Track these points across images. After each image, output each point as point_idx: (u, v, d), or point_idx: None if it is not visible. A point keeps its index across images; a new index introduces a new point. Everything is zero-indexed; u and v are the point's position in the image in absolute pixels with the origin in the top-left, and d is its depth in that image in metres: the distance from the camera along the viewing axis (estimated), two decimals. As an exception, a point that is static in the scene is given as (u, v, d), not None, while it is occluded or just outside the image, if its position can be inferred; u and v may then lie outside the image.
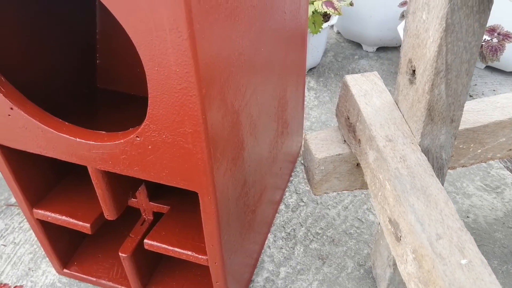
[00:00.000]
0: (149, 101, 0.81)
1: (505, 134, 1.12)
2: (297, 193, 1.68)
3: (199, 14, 0.70)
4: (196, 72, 0.74)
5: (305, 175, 1.24)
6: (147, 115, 0.84)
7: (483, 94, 2.20)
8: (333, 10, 1.96)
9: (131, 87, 1.32)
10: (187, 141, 0.84)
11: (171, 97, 0.79)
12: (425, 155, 0.95)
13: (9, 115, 0.96)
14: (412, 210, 0.84)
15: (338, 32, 2.64)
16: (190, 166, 0.89)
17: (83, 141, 0.95)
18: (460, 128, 1.06)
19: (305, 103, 2.08)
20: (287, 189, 1.70)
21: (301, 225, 1.58)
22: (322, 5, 1.96)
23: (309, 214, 1.61)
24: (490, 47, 1.91)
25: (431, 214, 0.83)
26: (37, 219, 1.22)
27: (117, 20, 0.72)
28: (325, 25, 2.10)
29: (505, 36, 1.93)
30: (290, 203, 1.65)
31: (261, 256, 1.48)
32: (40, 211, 1.20)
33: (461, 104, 0.93)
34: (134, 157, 0.92)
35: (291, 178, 1.74)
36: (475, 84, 2.26)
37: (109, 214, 1.13)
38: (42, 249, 1.46)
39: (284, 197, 1.67)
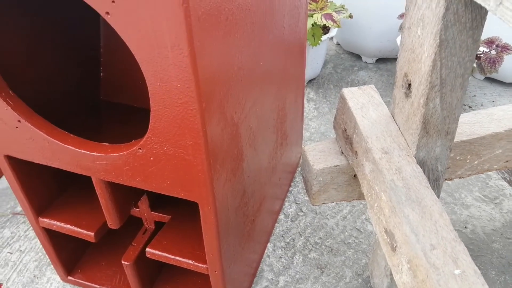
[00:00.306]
0: (151, 115, 0.84)
1: (502, 146, 1.14)
2: (296, 203, 1.70)
3: (200, 31, 0.73)
4: (197, 87, 0.76)
5: (303, 184, 1.26)
6: (149, 128, 0.86)
7: (482, 105, 2.21)
8: (332, 23, 1.98)
9: (134, 99, 1.35)
10: (188, 153, 0.87)
11: (173, 111, 0.81)
12: (421, 167, 0.96)
13: (16, 127, 0.99)
14: (407, 221, 0.85)
15: (338, 44, 2.66)
16: (190, 177, 0.91)
17: (88, 152, 0.97)
18: (456, 140, 1.08)
19: (304, 114, 2.10)
20: (286, 199, 1.71)
21: (300, 234, 1.60)
22: (321, 17, 1.98)
23: (308, 224, 1.63)
24: (488, 59, 1.93)
25: (425, 225, 0.85)
26: (43, 227, 1.24)
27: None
28: (324, 37, 2.13)
29: (503, 48, 1.95)
30: (290, 212, 1.67)
31: (261, 265, 1.50)
32: (45, 220, 1.22)
33: (456, 117, 0.95)
34: (137, 168, 0.94)
35: (291, 188, 1.75)
36: (475, 95, 2.27)
37: (112, 223, 1.15)
38: (47, 257, 1.48)
39: (283, 207, 1.69)
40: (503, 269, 1.48)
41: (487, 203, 1.69)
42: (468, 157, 1.13)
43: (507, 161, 1.18)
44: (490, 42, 1.97)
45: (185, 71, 0.74)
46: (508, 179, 1.45)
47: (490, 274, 1.46)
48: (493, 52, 1.95)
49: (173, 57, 0.74)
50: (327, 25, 2.02)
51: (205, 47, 0.76)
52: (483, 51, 1.96)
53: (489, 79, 2.38)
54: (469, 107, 2.20)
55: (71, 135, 1.00)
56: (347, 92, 1.13)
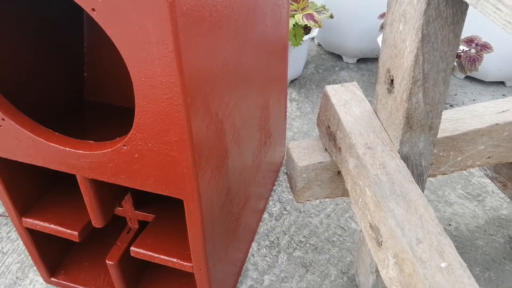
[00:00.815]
0: (136, 111, 0.83)
1: (484, 142, 1.15)
2: (280, 202, 1.70)
3: (184, 27, 0.73)
4: (182, 82, 0.76)
5: (288, 184, 1.26)
6: (133, 124, 0.86)
7: (463, 103, 2.23)
8: (313, 23, 1.99)
9: (118, 98, 1.34)
10: (173, 149, 0.86)
11: (157, 106, 0.81)
12: (405, 163, 0.97)
13: (0, 125, 0.98)
14: (392, 215, 0.86)
15: (319, 44, 2.67)
16: (175, 173, 0.91)
17: (72, 150, 0.97)
18: (439, 136, 1.09)
19: (287, 113, 2.10)
20: (270, 198, 1.72)
21: (285, 233, 1.60)
22: (302, 18, 1.99)
23: (292, 222, 1.63)
24: (468, 58, 1.95)
25: (411, 219, 0.85)
26: (26, 227, 1.23)
27: (105, 34, 0.74)
28: (306, 37, 2.14)
29: (483, 47, 1.97)
30: (274, 211, 1.67)
31: (245, 264, 1.50)
32: (29, 220, 1.21)
33: (439, 112, 0.96)
34: (121, 165, 0.94)
35: (275, 187, 1.76)
36: (455, 94, 2.29)
37: (97, 222, 1.15)
38: (30, 258, 1.47)
39: (267, 206, 1.69)
40: (487, 266, 1.49)
41: (470, 201, 1.71)
42: (451, 153, 1.14)
43: (489, 157, 1.19)
44: (469, 41, 1.99)
45: (170, 66, 0.74)
46: (490, 175, 1.46)
47: (474, 271, 1.47)
48: (473, 50, 1.97)
49: (158, 53, 0.73)
50: (308, 25, 2.02)
51: (190, 43, 0.76)
52: (463, 49, 1.98)
53: (469, 78, 2.40)
54: (451, 105, 2.22)
55: (56, 133, 0.99)
56: (330, 89, 1.13)
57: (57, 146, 0.97)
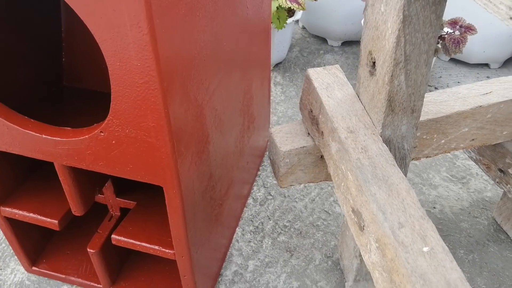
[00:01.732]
0: (112, 96, 0.82)
1: (467, 124, 1.14)
2: (265, 187, 1.69)
3: (159, 9, 0.71)
4: (157, 66, 0.74)
5: (271, 166, 1.26)
6: (110, 110, 0.84)
7: (448, 86, 2.23)
8: (297, 5, 1.97)
9: (98, 84, 1.32)
10: (150, 135, 0.85)
11: (133, 91, 0.79)
12: (387, 146, 0.96)
13: (-27, 112, 0.96)
14: (374, 199, 0.85)
15: (304, 27, 2.65)
16: (154, 160, 0.89)
17: (49, 137, 0.95)
18: (422, 118, 1.08)
19: (271, 98, 2.09)
20: (255, 183, 1.71)
21: (269, 218, 1.59)
22: (286, 0, 1.97)
23: (276, 207, 1.63)
24: (452, 40, 1.94)
25: (393, 203, 0.84)
26: (5, 217, 1.21)
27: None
28: (289, 20, 2.11)
29: (467, 29, 1.96)
30: (258, 197, 1.66)
31: (230, 250, 1.49)
32: (7, 209, 1.19)
33: (421, 94, 0.95)
34: (99, 152, 0.92)
35: (259, 172, 1.75)
36: (440, 77, 2.29)
37: (76, 210, 1.13)
38: (10, 248, 1.45)
39: (252, 191, 1.68)
40: (471, 248, 1.50)
41: (455, 183, 1.71)
42: (435, 136, 1.14)
43: (473, 139, 1.19)
44: (453, 23, 1.98)
45: (145, 50, 0.73)
46: (474, 158, 1.46)
47: (458, 253, 1.48)
48: (457, 32, 1.96)
49: (132, 36, 0.71)
50: (292, 8, 2.00)
51: (165, 26, 0.74)
52: (447, 31, 1.97)
53: (454, 61, 2.40)
54: (435, 88, 2.22)
55: (32, 120, 0.97)
56: (313, 72, 1.12)
57: (33, 133, 0.95)
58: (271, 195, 1.67)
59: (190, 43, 0.85)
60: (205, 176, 1.09)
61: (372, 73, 0.95)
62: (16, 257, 1.44)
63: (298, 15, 2.22)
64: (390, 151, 0.96)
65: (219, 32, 1.00)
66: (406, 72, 0.88)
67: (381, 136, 0.97)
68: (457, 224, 1.57)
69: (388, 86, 0.89)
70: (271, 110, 1.98)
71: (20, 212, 1.18)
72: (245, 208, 1.62)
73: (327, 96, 1.05)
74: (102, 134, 0.88)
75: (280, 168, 1.14)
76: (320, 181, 1.20)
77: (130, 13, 0.69)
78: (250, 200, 1.65)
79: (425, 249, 0.79)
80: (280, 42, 2.22)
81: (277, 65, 2.35)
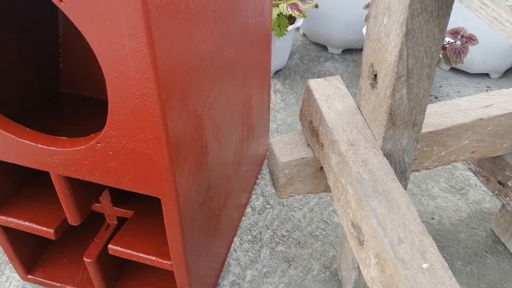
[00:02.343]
0: (109, 107, 0.80)
1: (468, 137, 1.14)
2: (263, 195, 1.68)
3: (158, 20, 0.70)
4: (156, 78, 0.73)
5: (270, 176, 1.25)
6: (107, 121, 0.83)
7: (448, 95, 2.22)
8: (298, 13, 1.96)
9: (95, 91, 1.31)
10: (148, 147, 0.84)
11: (131, 103, 0.78)
12: (387, 159, 0.95)
13: (-33, 120, 0.95)
14: (374, 214, 0.84)
15: (304, 34, 2.65)
16: (151, 172, 0.88)
17: (45, 147, 0.93)
18: (423, 131, 1.07)
19: (271, 105, 2.08)
20: (253, 191, 1.69)
21: (267, 227, 1.58)
22: (287, 7, 1.96)
23: (275, 216, 1.61)
24: (454, 50, 1.94)
25: (393, 219, 0.83)
26: (0, 225, 1.19)
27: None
28: (290, 27, 2.11)
29: (468, 39, 1.95)
30: (257, 205, 1.65)
31: (227, 260, 1.48)
32: (2, 217, 1.17)
33: (422, 108, 0.94)
34: (96, 163, 0.91)
35: (258, 181, 1.73)
36: (440, 86, 2.28)
37: (73, 219, 1.12)
38: (6, 255, 1.43)
39: (250, 200, 1.67)
40: (469, 259, 1.49)
41: (454, 194, 1.70)
42: (435, 148, 1.13)
43: (473, 152, 1.18)
44: (455, 33, 1.98)
45: (143, 61, 0.71)
46: (473, 169, 1.46)
47: (456, 265, 1.47)
48: (458, 42, 1.96)
49: (130, 47, 0.70)
50: (293, 15, 1.99)
51: (164, 36, 0.73)
52: (449, 41, 1.96)
53: (454, 70, 2.40)
54: (435, 97, 2.21)
55: (27, 129, 0.96)
56: (313, 83, 1.11)
57: (29, 142, 0.93)
58: (269, 204, 1.65)
59: (189, 53, 0.84)
60: (204, 187, 1.08)
61: (373, 86, 0.94)
62: (11, 264, 1.43)
63: (299, 22, 2.21)
64: (391, 164, 0.95)
65: (219, 41, 0.99)
66: (408, 86, 0.87)
67: (381, 150, 0.96)
68: (455, 235, 1.56)
69: (389, 100, 0.88)
70: (270, 117, 1.97)
71: (16, 220, 1.17)
72: (243, 217, 1.61)
73: (327, 108, 1.04)
74: (99, 144, 0.87)
75: (279, 179, 1.13)
76: (320, 192, 1.19)
77: (128, 23, 0.68)
78: (248, 209, 1.63)
79: (425, 265, 0.78)
80: (281, 49, 2.21)
81: (277, 72, 2.34)
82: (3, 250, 1.45)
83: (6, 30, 1.11)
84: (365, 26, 2.16)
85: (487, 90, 2.28)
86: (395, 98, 0.89)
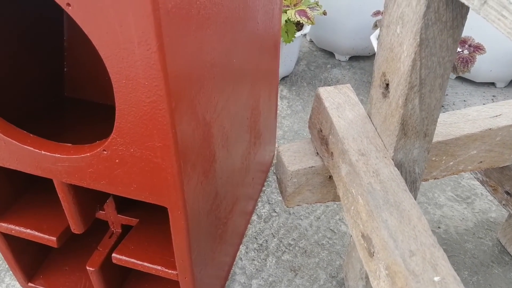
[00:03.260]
0: (116, 114, 0.79)
1: (476, 147, 1.13)
2: (269, 203, 1.67)
3: (169, 26, 0.68)
4: (166, 85, 0.72)
5: (277, 184, 1.24)
6: (114, 128, 0.81)
7: (454, 104, 2.21)
8: (306, 19, 1.95)
9: (100, 96, 1.29)
10: (156, 155, 0.82)
11: (139, 110, 0.76)
12: (398, 170, 0.94)
13: (-32, 126, 0.93)
14: (385, 226, 0.83)
15: (311, 41, 2.64)
16: (159, 180, 0.86)
17: (48, 153, 0.92)
18: (432, 140, 1.06)
19: (278, 112, 2.07)
20: (259, 199, 1.68)
21: (274, 236, 1.56)
22: (295, 14, 1.95)
23: (281, 224, 1.60)
24: (461, 59, 1.92)
25: (404, 230, 0.82)
26: (1, 232, 1.18)
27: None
28: (298, 34, 2.10)
29: (476, 48, 1.94)
30: (263, 213, 1.63)
31: (233, 268, 1.46)
32: (3, 225, 1.15)
33: (434, 119, 0.93)
34: (101, 171, 0.89)
35: (264, 188, 1.72)
36: (446, 95, 2.27)
37: (76, 227, 1.10)
38: (6, 263, 1.42)
39: (256, 207, 1.65)
40: (475, 269, 1.48)
41: (460, 203, 1.69)
42: (444, 158, 1.12)
43: (481, 162, 1.16)
44: (462, 42, 1.97)
45: (153, 68, 0.70)
46: (480, 179, 1.45)
47: (463, 275, 1.46)
48: (465, 52, 1.94)
49: (140, 53, 0.69)
50: (300, 22, 1.98)
51: (175, 43, 0.71)
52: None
53: (460, 79, 2.39)
54: (441, 106, 2.19)
55: (31, 135, 0.94)
56: (323, 91, 1.10)
57: (32, 149, 0.91)
58: (275, 212, 1.64)
59: (200, 60, 0.83)
60: (211, 195, 1.06)
61: (385, 95, 0.92)
62: (11, 272, 1.41)
63: (307, 29, 2.21)
64: (401, 174, 0.94)
65: (229, 48, 0.98)
66: (420, 96, 0.86)
67: (392, 160, 0.94)
68: (462, 244, 1.55)
69: (401, 110, 0.87)
70: (277, 124, 1.96)
71: (17, 228, 1.15)
72: (249, 225, 1.59)
73: (337, 117, 1.03)
74: (105, 152, 0.85)
75: (287, 188, 1.12)
76: (328, 201, 1.18)
77: (138, 29, 0.67)
78: (254, 217, 1.62)
79: (436, 278, 0.77)
80: (288, 55, 2.20)
81: (283, 78, 2.33)
82: (3, 257, 1.43)
83: (11, 34, 1.10)
84: (373, 33, 2.15)
85: (493, 99, 2.27)
86: (407, 108, 0.87)
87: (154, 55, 0.69)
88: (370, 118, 1.02)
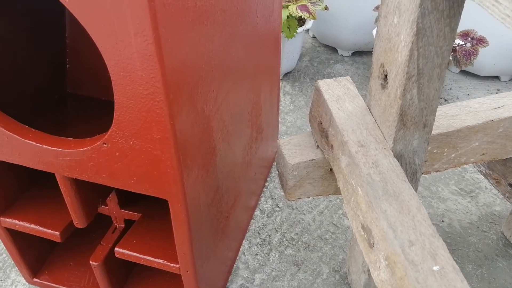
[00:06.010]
0: (115, 107, 0.79)
1: (478, 139, 1.12)
2: (272, 198, 1.67)
3: (165, 18, 0.69)
4: (163, 77, 0.72)
5: (278, 178, 1.24)
6: (113, 121, 0.82)
7: (457, 98, 2.21)
8: (307, 14, 1.95)
9: (102, 92, 1.30)
10: (155, 148, 0.83)
11: (138, 102, 0.77)
12: (398, 161, 0.94)
13: (-29, 121, 0.94)
14: (384, 217, 0.83)
15: (314, 37, 2.64)
16: (159, 173, 0.87)
17: (50, 148, 0.92)
18: (433, 132, 1.06)
19: (280, 107, 2.07)
20: (262, 194, 1.68)
21: (276, 230, 1.57)
22: (296, 9, 1.95)
23: (284, 219, 1.60)
24: (464, 52, 1.92)
25: (403, 221, 0.82)
26: (5, 227, 1.18)
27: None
28: (300, 29, 2.10)
29: (479, 41, 1.94)
30: (266, 208, 1.64)
31: (236, 263, 1.47)
32: (7, 220, 1.16)
33: (433, 109, 0.92)
34: (102, 164, 0.90)
35: (267, 183, 1.72)
36: (450, 89, 2.27)
37: (79, 222, 1.11)
38: (11, 258, 1.43)
39: (259, 202, 1.66)
40: (479, 263, 1.47)
41: (464, 197, 1.69)
42: (445, 150, 1.12)
43: (483, 154, 1.16)
44: (465, 35, 1.96)
45: (150, 60, 0.70)
46: (484, 172, 1.44)
47: (467, 268, 1.46)
48: (468, 44, 1.94)
49: (136, 45, 0.69)
50: (302, 17, 1.98)
51: (171, 35, 0.72)
52: (459, 43, 1.95)
53: (464, 72, 2.38)
54: (445, 100, 2.19)
55: (32, 129, 0.95)
56: (323, 84, 1.10)
57: (34, 143, 0.92)
58: (278, 206, 1.64)
59: (197, 52, 0.83)
60: (212, 189, 1.07)
61: (384, 86, 0.92)
62: (17, 268, 1.42)
63: (309, 24, 2.20)
64: (401, 166, 0.94)
65: (228, 41, 0.98)
66: (418, 86, 0.86)
67: (392, 151, 0.94)
68: (466, 238, 1.54)
69: (400, 100, 0.87)
70: (279, 120, 1.96)
71: (21, 223, 1.16)
72: (252, 220, 1.60)
73: (337, 109, 1.03)
74: (105, 145, 0.86)
75: (288, 181, 1.12)
76: (329, 194, 1.18)
77: (134, 21, 0.67)
78: (257, 212, 1.62)
79: (435, 268, 0.77)
80: (290, 51, 2.20)
81: (286, 74, 2.33)
82: (8, 253, 1.44)
83: (13, 31, 1.11)
84: (375, 28, 2.15)
85: (497, 93, 2.26)
86: (406, 98, 0.87)
87: (151, 47, 0.69)
88: (369, 109, 1.02)
